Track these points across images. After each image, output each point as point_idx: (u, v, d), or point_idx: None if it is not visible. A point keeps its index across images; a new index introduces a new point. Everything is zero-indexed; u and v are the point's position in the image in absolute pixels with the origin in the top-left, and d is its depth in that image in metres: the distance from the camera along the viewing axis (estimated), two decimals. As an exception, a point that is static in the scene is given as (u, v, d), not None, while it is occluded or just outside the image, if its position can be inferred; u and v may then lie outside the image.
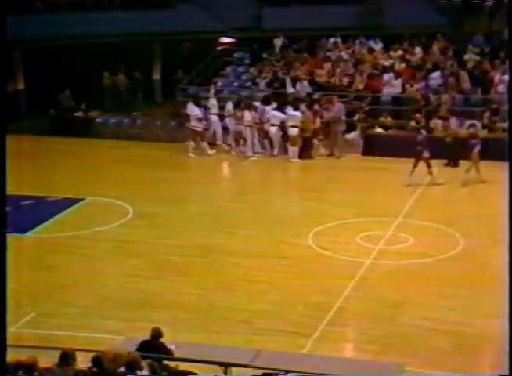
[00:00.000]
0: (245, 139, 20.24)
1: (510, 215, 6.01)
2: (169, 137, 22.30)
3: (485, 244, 13.50)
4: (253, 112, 20.07)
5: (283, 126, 19.98)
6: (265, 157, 20.26)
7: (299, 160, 19.84)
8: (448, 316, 10.78)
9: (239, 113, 20.27)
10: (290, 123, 19.84)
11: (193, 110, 20.59)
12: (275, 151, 20.21)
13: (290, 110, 20.00)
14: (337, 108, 20.18)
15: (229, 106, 20.93)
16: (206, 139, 20.72)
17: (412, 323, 10.58)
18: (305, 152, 19.89)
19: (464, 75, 21.23)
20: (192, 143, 20.52)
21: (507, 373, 6.35)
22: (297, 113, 19.89)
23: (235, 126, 20.40)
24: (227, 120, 20.85)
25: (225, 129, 21.13)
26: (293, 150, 19.92)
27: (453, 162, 18.91)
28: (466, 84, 21.11)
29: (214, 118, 21.01)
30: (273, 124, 20.00)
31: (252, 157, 20.04)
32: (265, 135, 20.37)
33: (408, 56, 22.76)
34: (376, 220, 14.89)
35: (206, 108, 20.95)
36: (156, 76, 26.71)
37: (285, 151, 20.18)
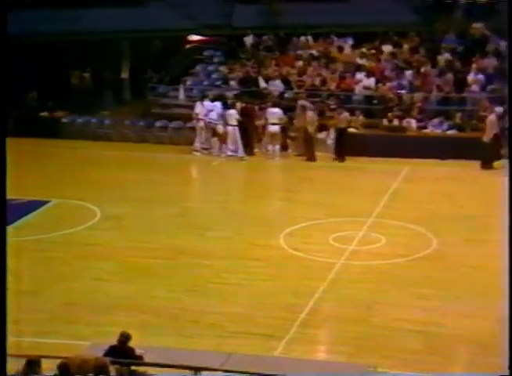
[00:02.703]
0: (224, 140, 20.25)
1: (510, 215, 5.96)
2: (138, 137, 22.21)
3: (458, 244, 13.67)
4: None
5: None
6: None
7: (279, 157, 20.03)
8: (421, 316, 10.87)
9: (228, 113, 20.22)
10: (271, 120, 19.90)
11: (215, 105, 20.55)
12: (239, 151, 20.17)
13: (270, 108, 20.13)
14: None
15: (218, 105, 20.80)
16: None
17: (385, 324, 10.65)
18: (310, 152, 19.85)
19: (435, 73, 21.45)
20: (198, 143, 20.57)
21: (507, 373, 6.36)
22: (277, 111, 19.99)
23: (225, 127, 20.28)
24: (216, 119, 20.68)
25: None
26: (274, 148, 20.06)
27: (341, 158, 19.49)
28: (439, 83, 21.29)
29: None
30: (231, 124, 20.03)
31: (244, 157, 20.05)
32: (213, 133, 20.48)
33: (380, 55, 22.89)
34: (348, 220, 14.98)
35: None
36: (125, 75, 26.56)
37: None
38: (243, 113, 20.26)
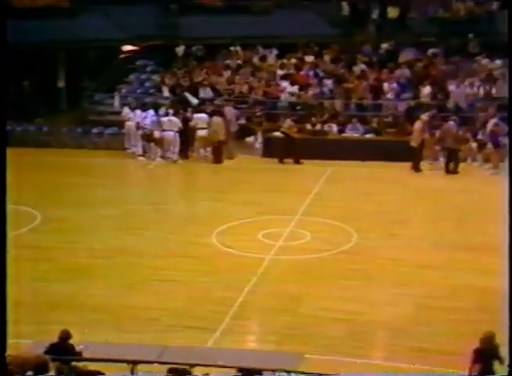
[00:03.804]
0: (161, 145, 20.13)
1: (510, 215, 5.93)
2: (76, 143, 21.88)
3: (377, 238, 13.91)
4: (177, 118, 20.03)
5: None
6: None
7: (211, 160, 19.88)
8: (344, 305, 11.04)
9: (166, 119, 20.04)
10: (199, 125, 19.87)
11: (148, 112, 20.33)
12: (174, 155, 20.11)
13: (196, 114, 20.10)
14: (227, 112, 20.29)
15: (152, 112, 20.52)
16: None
17: (311, 314, 10.79)
18: (217, 156, 19.83)
19: (358, 82, 21.84)
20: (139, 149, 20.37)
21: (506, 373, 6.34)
22: (204, 116, 19.98)
23: (161, 132, 20.07)
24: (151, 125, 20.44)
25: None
26: (204, 151, 20.04)
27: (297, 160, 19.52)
28: (357, 91, 21.67)
29: (131, 124, 20.67)
30: (169, 130, 19.92)
31: (178, 160, 19.93)
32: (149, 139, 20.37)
33: (302, 64, 23.16)
34: (276, 218, 15.08)
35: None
36: (61, 84, 26.13)
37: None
38: (183, 119, 20.19)
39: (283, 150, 19.61)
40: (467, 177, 18.18)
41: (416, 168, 18.64)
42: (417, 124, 18.70)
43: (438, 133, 18.96)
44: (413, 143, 18.64)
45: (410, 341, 9.92)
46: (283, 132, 19.90)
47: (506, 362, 7.90)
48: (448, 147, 18.46)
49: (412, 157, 18.67)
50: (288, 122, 19.96)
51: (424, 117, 18.87)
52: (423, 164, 18.84)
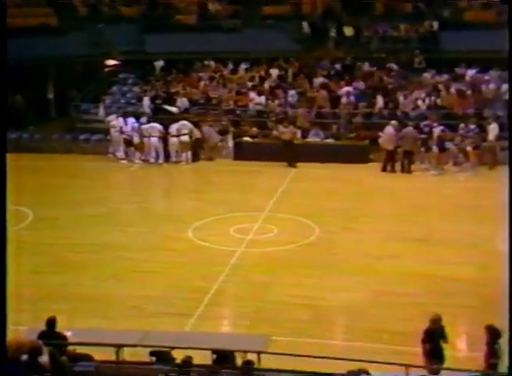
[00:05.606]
0: (141, 149, 20.01)
1: (509, 214, 5.87)
2: (65, 149, 21.65)
3: (336, 232, 13.96)
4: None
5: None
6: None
7: (191, 163, 19.81)
8: (307, 292, 11.07)
9: (148, 126, 19.91)
10: (183, 131, 19.78)
11: (129, 120, 20.19)
12: (159, 159, 20.04)
13: (182, 121, 19.98)
14: (205, 131, 20.29)
15: (132, 120, 20.34)
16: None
17: (278, 300, 10.80)
18: (196, 155, 19.97)
19: (318, 93, 21.88)
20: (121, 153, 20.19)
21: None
22: (187, 123, 19.91)
23: (142, 138, 19.95)
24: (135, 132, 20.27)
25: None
26: (186, 155, 19.97)
27: (290, 163, 19.33)
28: (318, 100, 21.73)
29: (115, 132, 20.47)
30: (152, 136, 19.82)
31: (163, 163, 19.80)
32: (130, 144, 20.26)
33: (268, 77, 23.19)
34: (246, 215, 15.06)
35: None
36: (51, 95, 25.90)
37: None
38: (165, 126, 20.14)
39: (285, 155, 19.21)
40: (417, 177, 18.37)
41: (392, 169, 18.51)
42: (389, 129, 18.66)
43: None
44: (389, 147, 18.58)
45: (367, 323, 9.99)
46: (282, 139, 19.53)
47: (449, 340, 8.04)
48: (407, 150, 18.55)
49: (386, 159, 18.60)
50: (281, 129, 19.81)
51: (394, 122, 18.91)
52: (376, 166, 18.95)
